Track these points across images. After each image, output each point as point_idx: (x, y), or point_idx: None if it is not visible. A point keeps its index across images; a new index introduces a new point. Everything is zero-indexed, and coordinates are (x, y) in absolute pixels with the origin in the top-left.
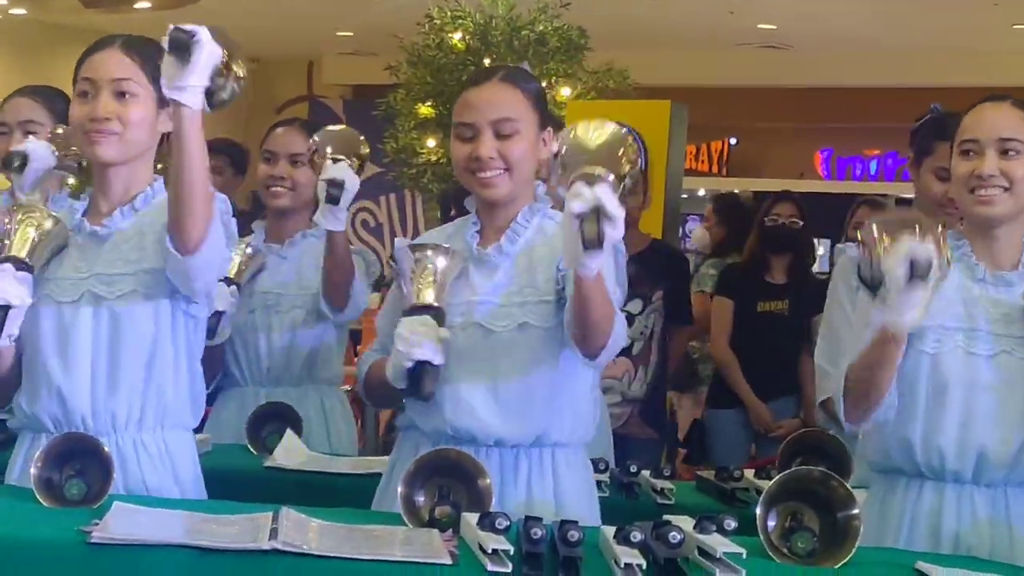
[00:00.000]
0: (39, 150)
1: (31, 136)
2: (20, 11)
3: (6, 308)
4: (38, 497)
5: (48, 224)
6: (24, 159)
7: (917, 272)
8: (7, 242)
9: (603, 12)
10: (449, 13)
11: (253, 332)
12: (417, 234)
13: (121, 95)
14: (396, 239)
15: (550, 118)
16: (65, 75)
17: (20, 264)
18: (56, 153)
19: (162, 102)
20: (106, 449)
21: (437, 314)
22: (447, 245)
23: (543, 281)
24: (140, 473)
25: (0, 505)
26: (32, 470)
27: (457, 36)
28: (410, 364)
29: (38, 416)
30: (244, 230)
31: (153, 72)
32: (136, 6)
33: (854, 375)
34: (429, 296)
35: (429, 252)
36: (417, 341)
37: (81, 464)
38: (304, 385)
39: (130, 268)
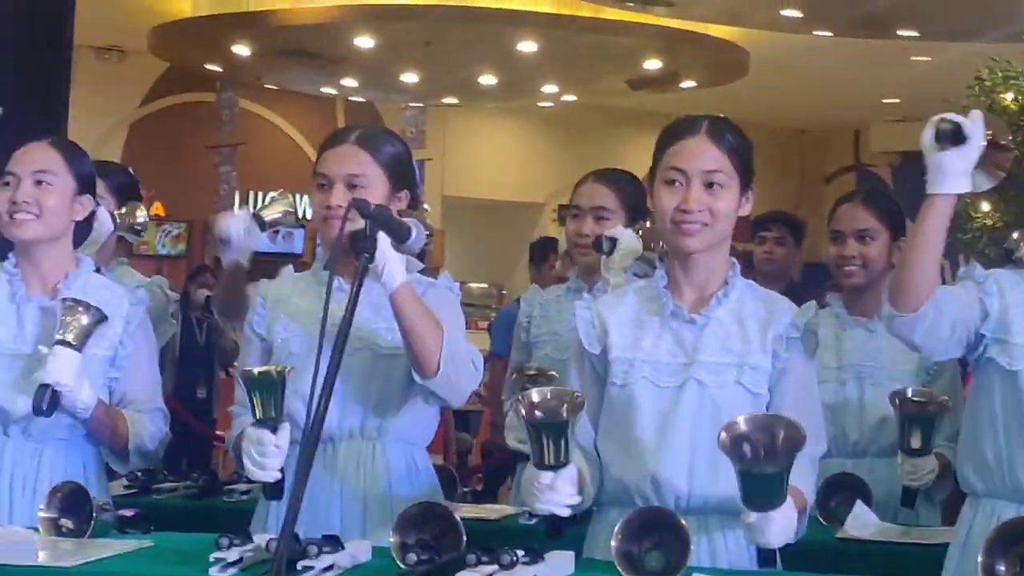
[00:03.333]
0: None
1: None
2: (571, 97)
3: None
4: (619, 569)
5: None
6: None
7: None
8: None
9: None
10: (1000, 74)
11: (844, 406)
12: None
13: (710, 185)
14: None
15: None
16: (614, 155)
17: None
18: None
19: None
20: (682, 522)
21: None
22: None
23: None
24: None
25: None
26: (612, 543)
27: (1009, 96)
28: None
29: (631, 494)
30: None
31: (741, 159)
32: (682, 85)
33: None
34: None
35: None
36: None
37: (659, 537)
38: (887, 457)
39: (733, 359)
